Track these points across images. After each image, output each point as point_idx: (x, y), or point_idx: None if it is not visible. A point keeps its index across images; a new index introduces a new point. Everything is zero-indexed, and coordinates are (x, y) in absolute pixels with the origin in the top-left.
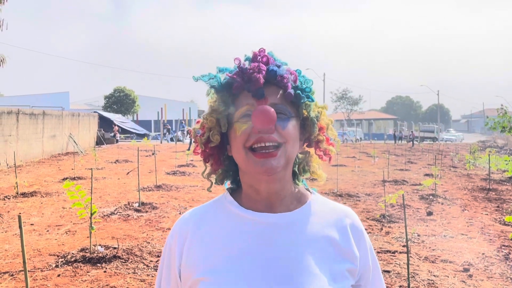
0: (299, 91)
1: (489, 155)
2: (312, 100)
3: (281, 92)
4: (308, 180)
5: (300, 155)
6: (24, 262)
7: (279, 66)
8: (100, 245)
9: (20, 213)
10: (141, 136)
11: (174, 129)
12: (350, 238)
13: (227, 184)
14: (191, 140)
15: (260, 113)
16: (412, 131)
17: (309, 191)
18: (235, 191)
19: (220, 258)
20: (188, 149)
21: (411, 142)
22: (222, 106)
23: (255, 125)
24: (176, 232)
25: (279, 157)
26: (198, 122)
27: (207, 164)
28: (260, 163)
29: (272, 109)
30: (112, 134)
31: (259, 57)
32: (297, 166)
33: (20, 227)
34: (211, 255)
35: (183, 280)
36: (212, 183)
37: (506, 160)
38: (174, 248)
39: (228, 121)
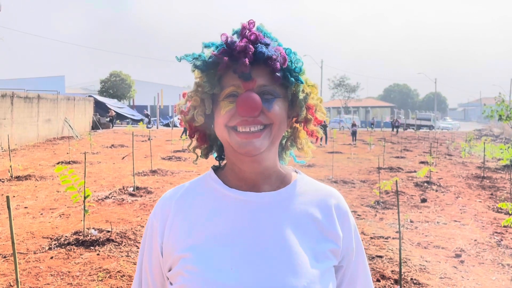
0: (287, 73)
1: (484, 143)
2: (302, 82)
3: (268, 72)
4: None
5: (288, 130)
6: (13, 243)
7: (268, 44)
8: (94, 228)
9: (7, 195)
10: (137, 121)
11: (170, 115)
12: (334, 218)
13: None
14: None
15: (244, 102)
16: (396, 119)
17: (296, 172)
18: (220, 170)
19: (202, 235)
20: (185, 133)
21: (395, 129)
22: (207, 86)
23: (239, 112)
24: (159, 209)
25: (263, 138)
26: (184, 94)
27: (192, 138)
28: (243, 144)
29: (257, 97)
30: (108, 119)
31: (247, 31)
32: (285, 139)
33: (8, 207)
34: (193, 232)
35: (165, 257)
36: (197, 156)
37: (501, 149)
38: (156, 226)
39: (213, 100)
